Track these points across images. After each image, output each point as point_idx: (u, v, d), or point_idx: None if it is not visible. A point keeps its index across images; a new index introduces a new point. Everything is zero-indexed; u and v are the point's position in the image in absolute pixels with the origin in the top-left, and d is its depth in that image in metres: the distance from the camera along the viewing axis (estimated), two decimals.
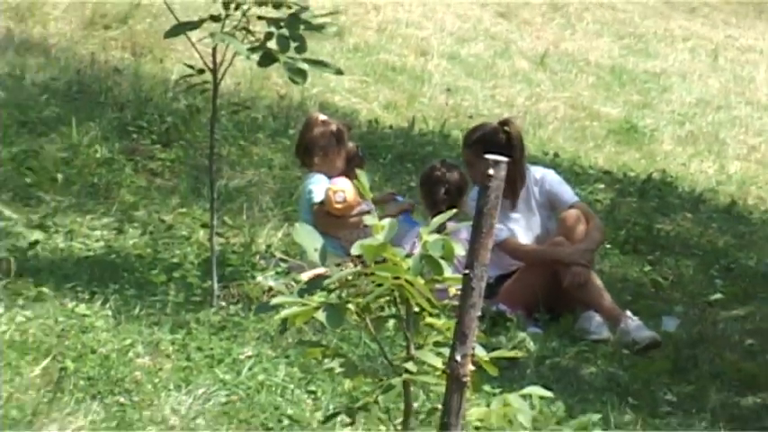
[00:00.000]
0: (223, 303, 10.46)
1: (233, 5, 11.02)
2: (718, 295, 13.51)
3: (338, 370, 7.49)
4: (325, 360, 7.60)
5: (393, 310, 6.61)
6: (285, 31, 10.92)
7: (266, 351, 9.72)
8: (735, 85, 21.68)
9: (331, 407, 8.88)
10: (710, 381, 11.02)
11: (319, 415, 8.81)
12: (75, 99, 15.03)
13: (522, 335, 10.34)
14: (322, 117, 13.42)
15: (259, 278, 10.35)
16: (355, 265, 6.65)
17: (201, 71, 10.39)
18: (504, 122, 13.35)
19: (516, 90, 20.66)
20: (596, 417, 9.22)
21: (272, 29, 10.81)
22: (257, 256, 11.21)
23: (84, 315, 9.96)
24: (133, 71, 16.49)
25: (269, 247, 11.70)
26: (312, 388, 9.27)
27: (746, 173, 17.11)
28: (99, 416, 8.50)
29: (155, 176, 13.39)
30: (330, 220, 12.01)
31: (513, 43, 22.52)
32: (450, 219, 6.75)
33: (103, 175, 12.84)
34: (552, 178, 13.14)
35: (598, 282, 12.68)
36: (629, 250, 14.43)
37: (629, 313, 12.20)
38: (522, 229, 13.04)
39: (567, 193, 13.10)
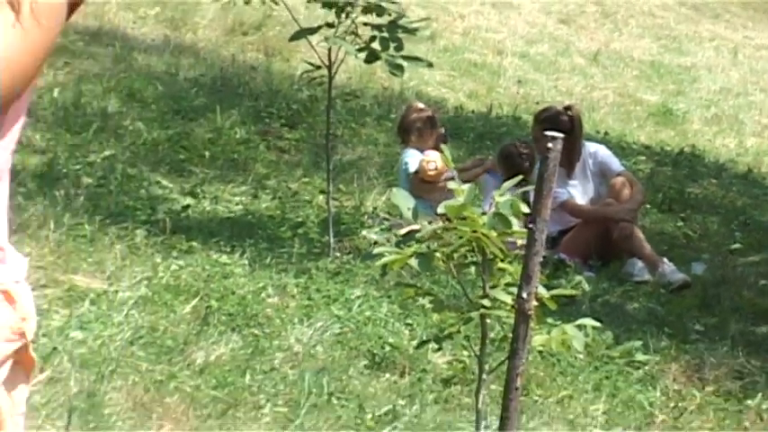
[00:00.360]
0: (338, 254, 10.73)
1: (344, 14, 11.19)
2: (737, 245, 13.21)
3: (428, 306, 8.41)
4: (419, 298, 8.43)
5: (472, 257, 6.65)
6: (386, 34, 11.07)
7: (372, 292, 9.90)
8: (751, 76, 22.27)
9: (423, 336, 8.83)
10: (731, 314, 11.03)
11: (414, 342, 8.80)
12: (219, 91, 15.40)
13: (578, 278, 10.25)
14: (418, 104, 13.57)
15: (365, 233, 10.49)
16: (442, 222, 6.92)
17: (319, 67, 10.79)
18: (567, 107, 13.43)
19: (574, 82, 20.82)
20: (638, 343, 9.59)
21: (376, 33, 11.01)
22: (365, 216, 11.47)
23: (226, 264, 10.30)
24: (265, 69, 16.84)
25: (374, 209, 11.83)
26: (408, 321, 9.42)
27: (761, 146, 17.86)
28: (237, 344, 8.80)
29: (283, 153, 13.76)
30: (423, 185, 12.00)
31: (571, 44, 22.91)
32: (518, 184, 6.75)
33: (242, 152, 13.29)
34: (603, 152, 13.25)
35: (640, 234, 12.71)
36: (665, 209, 14.21)
37: (665, 260, 12.24)
38: (579, 192, 13.07)
39: (615, 163, 13.20)
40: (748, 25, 26.87)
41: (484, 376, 6.65)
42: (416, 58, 11.75)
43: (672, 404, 9.08)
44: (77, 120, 13.18)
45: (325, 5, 11.66)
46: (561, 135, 7.86)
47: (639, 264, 12.24)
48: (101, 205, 11.43)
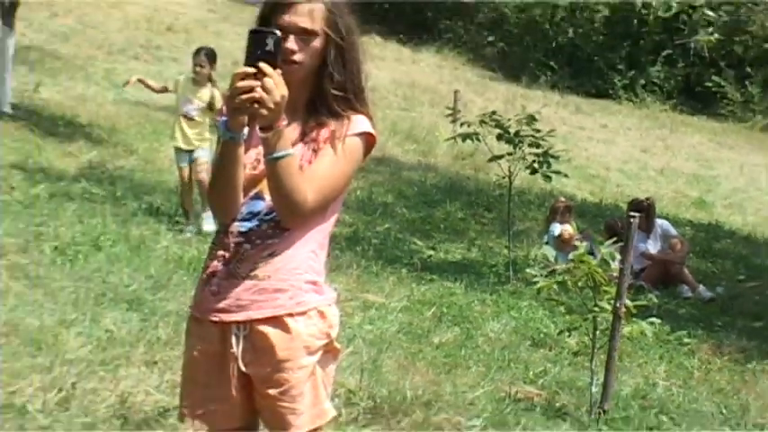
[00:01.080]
0: (515, 282, 10.65)
1: (517, 147, 11.39)
2: (742, 277, 13.56)
3: (564, 311, 8.05)
4: (559, 307, 8.33)
5: (589, 284, 7.23)
6: (541, 159, 11.43)
7: (533, 303, 9.87)
8: (750, 182, 21.95)
9: (561, 328, 8.41)
10: (738, 316, 11.19)
11: (556, 331, 8.68)
12: (449, 191, 15.54)
13: (650, 295, 9.20)
14: (561, 198, 13.85)
15: (529, 270, 9.00)
16: (573, 264, 7.38)
17: (504, 177, 11.34)
18: (646, 199, 13.64)
19: (649, 185, 20.24)
20: (684, 332, 9.78)
21: (535, 158, 11.39)
22: (530, 261, 11.26)
23: (451, 288, 10.36)
24: (475, 178, 16.81)
25: (535, 256, 11.40)
26: (554, 319, 9.27)
27: (756, 221, 17.81)
28: (457, 333, 8.78)
29: (484, 225, 13.92)
30: (561, 244, 11.86)
31: (648, 163, 22.96)
32: (614, 243, 7.69)
33: (461, 225, 13.64)
34: (666, 224, 13.58)
35: (686, 270, 12.93)
36: (700, 256, 14.21)
37: (701, 285, 12.52)
38: (652, 246, 13.26)
39: (672, 230, 13.52)
40: (749, 151, 25.84)
41: (595, 350, 7.20)
42: (558, 172, 11.91)
43: (703, 367, 9.12)
44: (369, 207, 13.36)
45: (507, 142, 11.63)
46: (640, 214, 8.62)
47: (685, 287, 12.56)
48: (382, 255, 11.51)
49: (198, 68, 10.79)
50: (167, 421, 5.40)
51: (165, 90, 11.42)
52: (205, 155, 10.71)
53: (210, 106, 10.67)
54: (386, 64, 23.82)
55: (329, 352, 3.80)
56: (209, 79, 10.83)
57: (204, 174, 10.53)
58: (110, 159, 13.85)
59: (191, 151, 10.86)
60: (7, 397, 5.73)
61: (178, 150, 10.92)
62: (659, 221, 13.36)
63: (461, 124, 13.04)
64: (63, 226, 9.96)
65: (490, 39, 27.78)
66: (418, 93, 22.74)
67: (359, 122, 3.67)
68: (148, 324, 7.24)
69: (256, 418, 3.82)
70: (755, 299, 12.41)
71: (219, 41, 19.57)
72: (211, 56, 10.98)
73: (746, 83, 28.45)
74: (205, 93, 10.74)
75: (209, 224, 10.57)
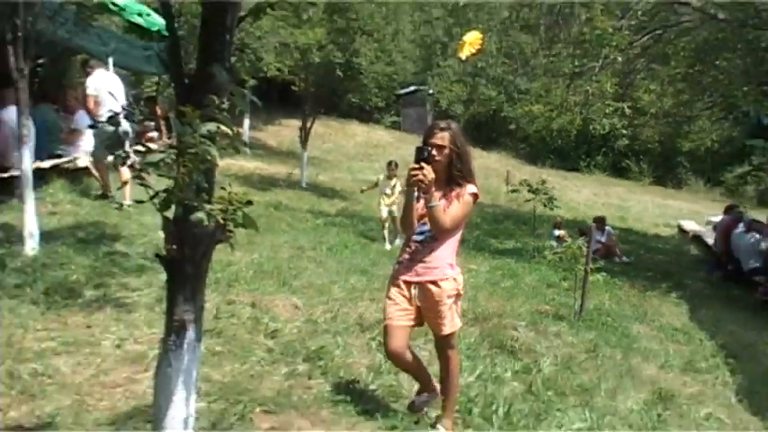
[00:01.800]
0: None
1: (536, 193, 12.69)
2: (641, 252, 13.69)
3: (561, 270, 8.56)
4: (559, 268, 8.65)
5: (572, 257, 7.63)
6: (547, 199, 12.61)
7: (547, 268, 9.43)
8: None
9: (559, 278, 9.15)
10: (640, 271, 11.48)
11: (558, 280, 9.04)
12: None
13: (600, 262, 9.27)
14: (558, 218, 13.87)
15: (546, 252, 8.38)
16: None
17: None
18: (600, 217, 13.28)
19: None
20: (616, 279, 9.33)
21: (545, 199, 12.51)
22: (546, 248, 8.89)
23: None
24: None
25: (547, 245, 9.79)
26: (557, 274, 9.28)
27: None
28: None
29: None
30: (558, 240, 11.30)
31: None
32: (583, 238, 7.78)
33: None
34: (609, 228, 12.81)
35: (618, 250, 12.59)
36: (623, 243, 13.78)
37: (624, 257, 12.37)
38: (602, 238, 12.41)
39: (611, 231, 12.97)
40: (642, 193, 26.26)
41: (576, 288, 7.65)
42: (556, 206, 13.02)
43: (625, 295, 9.31)
44: (468, 224, 9.71)
45: (533, 192, 12.66)
46: (597, 224, 9.58)
47: (617, 258, 12.17)
48: (476, 246, 11.66)
49: (389, 170, 11.55)
50: (379, 327, 5.35)
51: (376, 184, 11.84)
52: (395, 209, 11.19)
53: (395, 189, 11.33)
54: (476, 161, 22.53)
55: (458, 296, 4.13)
56: (394, 176, 11.43)
57: (395, 214, 11.10)
58: (350, 206, 14.95)
59: (388, 207, 11.40)
60: (310, 314, 6.22)
61: (381, 206, 11.53)
62: (607, 227, 13.27)
63: (511, 187, 14.44)
64: (330, 238, 10.63)
65: (521, 145, 31.72)
66: (491, 172, 23.29)
67: (470, 188, 3.97)
68: (370, 282, 7.70)
69: (422, 322, 4.17)
70: (649, 262, 12.98)
71: (400, 152, 21.40)
72: (395, 163, 11.73)
73: (640, 160, 32.29)
74: (392, 182, 11.43)
75: (400, 239, 10.62)
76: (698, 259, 13.61)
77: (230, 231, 2.33)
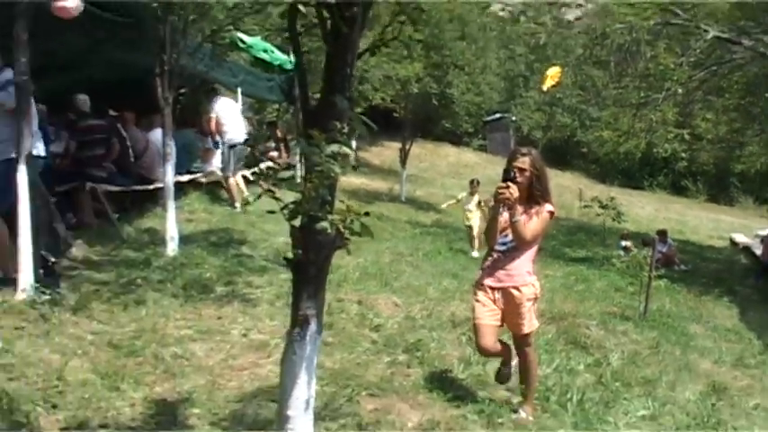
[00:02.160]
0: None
1: (605, 208, 12.51)
2: (698, 261, 13.25)
3: (628, 276, 8.04)
4: (626, 274, 8.15)
5: (637, 264, 7.56)
6: (615, 214, 12.54)
7: (615, 274, 8.94)
8: None
9: (626, 283, 8.71)
10: (698, 277, 11.19)
11: (625, 285, 8.65)
12: None
13: (662, 270, 8.69)
14: (625, 231, 13.41)
15: (613, 260, 8.44)
16: None
17: None
18: (662, 229, 13.02)
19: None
20: (676, 284, 9.51)
21: (613, 214, 12.48)
22: (614, 257, 8.84)
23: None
24: None
25: (615, 254, 9.66)
26: (623, 280, 8.77)
27: None
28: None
29: None
30: (625, 250, 10.68)
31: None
32: (647, 248, 7.66)
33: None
34: (670, 240, 12.54)
35: (677, 259, 12.28)
36: (681, 253, 13.39)
37: (683, 265, 11.99)
38: (664, 249, 11.87)
39: (671, 242, 12.68)
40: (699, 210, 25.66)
41: (641, 292, 7.49)
42: (623, 220, 12.83)
43: (684, 298, 9.13)
44: (545, 235, 9.33)
45: (602, 207, 12.49)
46: (660, 236, 9.07)
47: (676, 266, 11.76)
48: (551, 254, 11.27)
49: (471, 187, 11.47)
50: (468, 324, 5.20)
51: (458, 201, 11.63)
52: (477, 223, 10.88)
53: (479, 205, 11.07)
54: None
55: (536, 299, 4.12)
56: (476, 192, 11.25)
57: (477, 223, 10.87)
58: (443, 218, 14.62)
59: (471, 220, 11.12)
60: (408, 312, 6.08)
61: (467, 221, 11.21)
62: (667, 239, 12.98)
63: (583, 203, 14.56)
64: (426, 245, 10.67)
65: (593, 166, 31.40)
66: (566, 189, 22.27)
67: (548, 206, 3.98)
68: (460, 284, 7.47)
69: (503, 323, 4.16)
70: (704, 270, 12.59)
71: (486, 172, 20.94)
72: (477, 181, 11.65)
73: (697, 180, 31.69)
74: (475, 198, 11.22)
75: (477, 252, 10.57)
76: (747, 268, 13.31)
77: (347, 239, 2.33)
